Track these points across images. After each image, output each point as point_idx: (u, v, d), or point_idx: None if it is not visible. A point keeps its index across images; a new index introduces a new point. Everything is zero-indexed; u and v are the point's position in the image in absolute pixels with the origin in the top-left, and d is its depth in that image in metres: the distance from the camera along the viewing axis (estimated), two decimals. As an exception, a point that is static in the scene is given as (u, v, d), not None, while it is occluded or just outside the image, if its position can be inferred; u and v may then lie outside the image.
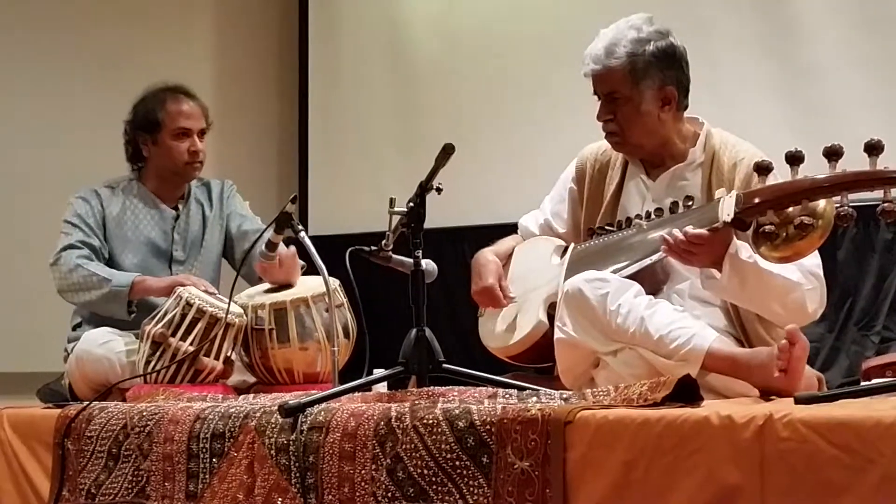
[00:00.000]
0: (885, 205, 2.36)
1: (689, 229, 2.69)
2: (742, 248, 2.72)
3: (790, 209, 2.53)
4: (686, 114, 3.08)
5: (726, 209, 2.64)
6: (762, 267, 2.67)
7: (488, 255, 3.24)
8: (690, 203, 2.87)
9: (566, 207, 3.24)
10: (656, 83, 2.98)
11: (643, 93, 2.98)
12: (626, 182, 3.11)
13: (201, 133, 3.75)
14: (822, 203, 2.49)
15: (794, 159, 2.49)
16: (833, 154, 2.43)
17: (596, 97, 3.05)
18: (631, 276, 2.84)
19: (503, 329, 3.19)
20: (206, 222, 3.81)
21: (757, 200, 2.58)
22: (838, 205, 2.41)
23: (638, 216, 2.97)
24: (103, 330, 3.53)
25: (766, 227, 2.52)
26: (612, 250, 2.97)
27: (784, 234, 2.51)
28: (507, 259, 3.27)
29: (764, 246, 2.55)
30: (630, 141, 3.03)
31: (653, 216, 2.93)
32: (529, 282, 3.16)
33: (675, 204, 2.90)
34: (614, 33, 3.00)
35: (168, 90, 3.77)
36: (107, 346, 3.46)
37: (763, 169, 2.60)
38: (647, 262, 2.87)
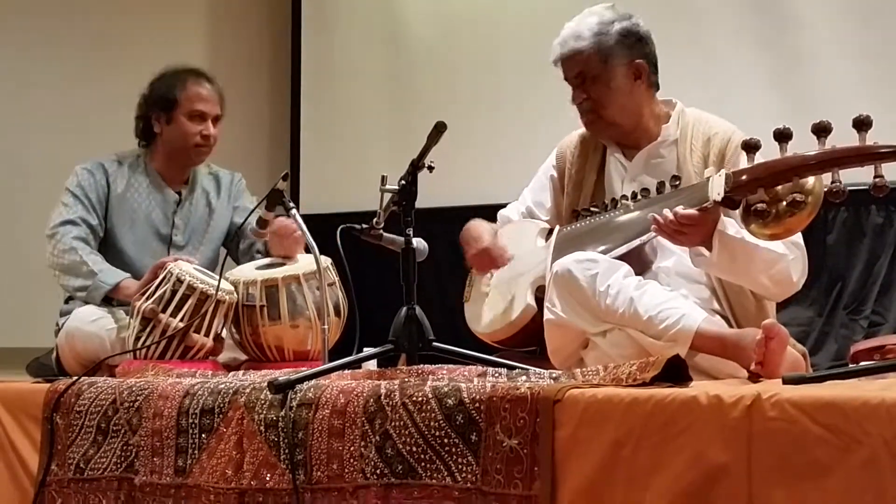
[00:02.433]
0: (876, 180, 2.36)
1: (680, 209, 2.69)
2: (729, 224, 2.73)
3: (780, 187, 2.53)
4: (666, 98, 3.12)
5: (716, 188, 2.64)
6: (749, 241, 2.68)
7: (480, 222, 3.27)
8: (677, 183, 2.88)
9: (549, 196, 3.26)
10: (625, 59, 3.04)
11: (613, 69, 3.04)
12: (607, 165, 3.13)
13: (216, 119, 3.72)
14: (811, 180, 2.49)
15: (783, 136, 2.48)
16: (822, 130, 2.42)
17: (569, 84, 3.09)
18: (620, 257, 2.85)
19: (490, 313, 3.19)
20: (213, 211, 3.79)
21: (746, 178, 2.58)
22: (830, 181, 2.41)
23: (624, 197, 2.98)
24: (93, 307, 3.51)
25: (758, 205, 2.51)
26: (599, 231, 2.97)
27: (774, 211, 2.50)
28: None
29: (754, 224, 2.55)
30: (606, 118, 3.07)
31: (639, 196, 2.94)
32: (516, 265, 3.16)
33: (661, 184, 2.91)
34: (577, 23, 3.08)
35: (190, 71, 3.74)
36: (97, 323, 3.45)
37: (751, 147, 2.58)
38: (636, 242, 2.88)
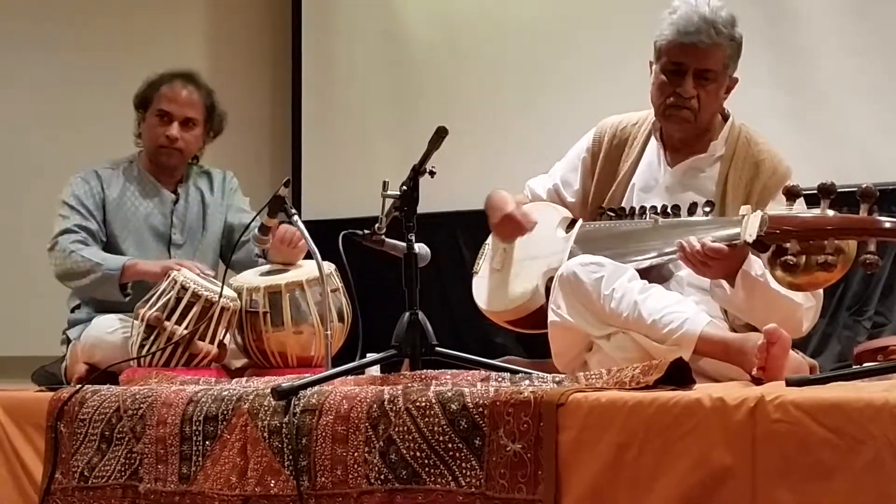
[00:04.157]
0: None
1: (708, 241, 2.66)
2: (754, 263, 2.70)
3: (813, 241, 2.43)
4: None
5: (749, 230, 2.58)
6: (771, 287, 2.65)
7: (501, 191, 3.19)
8: (709, 210, 2.84)
9: (578, 177, 3.20)
10: (733, 71, 2.96)
11: (725, 77, 2.95)
12: (642, 163, 3.07)
13: (186, 121, 3.67)
14: (846, 242, 2.43)
15: (826, 192, 2.40)
16: (867, 196, 2.34)
17: (668, 66, 2.93)
18: (639, 271, 2.83)
19: (499, 293, 3.16)
20: (207, 208, 3.78)
21: (783, 228, 2.48)
22: (865, 251, 2.33)
23: (654, 208, 2.93)
24: (113, 317, 3.51)
25: (788, 257, 2.42)
26: (622, 240, 2.93)
27: (803, 264, 2.42)
28: None
29: (780, 270, 2.45)
30: (700, 122, 2.97)
31: (669, 213, 2.90)
32: (531, 249, 3.13)
33: (693, 205, 2.87)
34: (708, 9, 2.90)
35: (178, 74, 3.72)
36: (117, 333, 3.44)
37: (792, 194, 2.50)
38: (657, 261, 2.85)
